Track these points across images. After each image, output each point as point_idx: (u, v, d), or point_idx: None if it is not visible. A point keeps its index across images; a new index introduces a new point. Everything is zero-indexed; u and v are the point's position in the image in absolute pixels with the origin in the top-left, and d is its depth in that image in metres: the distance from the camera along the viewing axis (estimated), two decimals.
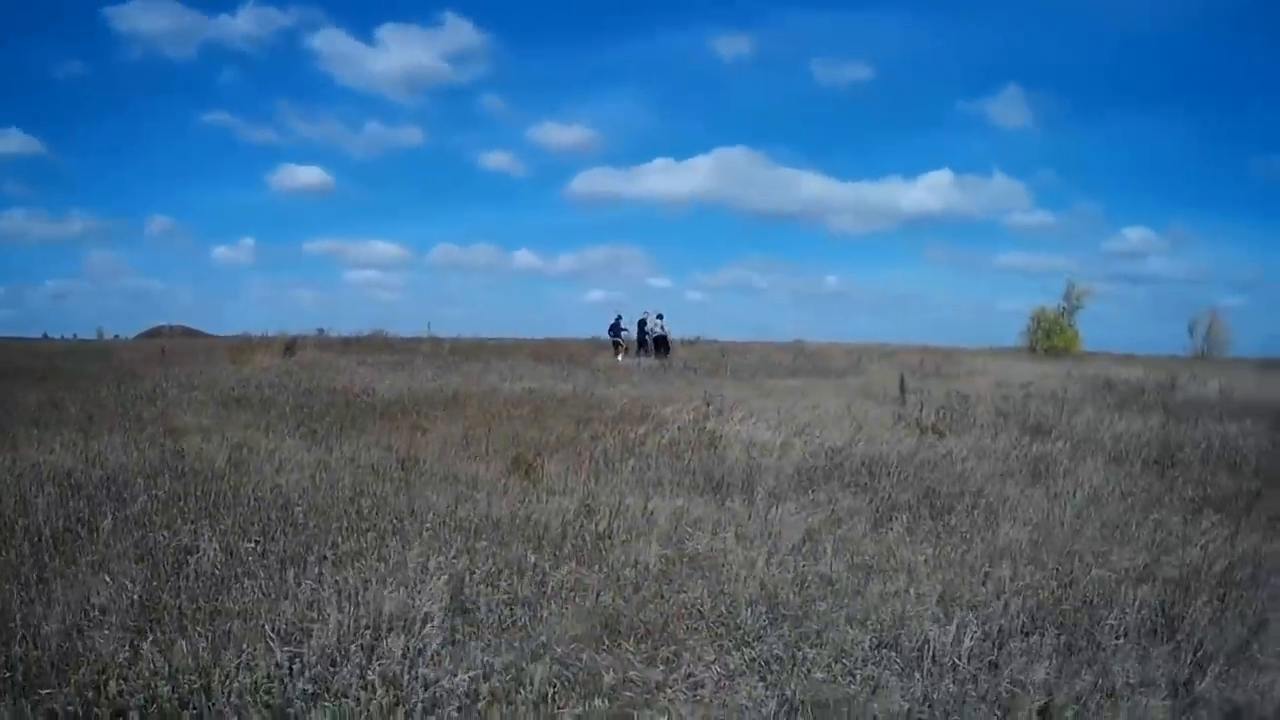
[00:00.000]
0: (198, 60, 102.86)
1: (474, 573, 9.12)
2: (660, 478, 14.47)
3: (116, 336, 68.94)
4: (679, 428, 19.28)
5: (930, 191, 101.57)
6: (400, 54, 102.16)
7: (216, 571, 9.06)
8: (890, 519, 12.17)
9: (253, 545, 9.74)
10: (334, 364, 36.75)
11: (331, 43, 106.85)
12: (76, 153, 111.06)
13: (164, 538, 10.07)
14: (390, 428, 18.80)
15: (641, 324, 48.41)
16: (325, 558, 9.44)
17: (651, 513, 11.80)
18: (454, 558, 9.46)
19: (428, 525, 10.74)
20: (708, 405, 21.54)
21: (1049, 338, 58.14)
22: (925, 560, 10.27)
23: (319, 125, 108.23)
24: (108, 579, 8.62)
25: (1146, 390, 30.91)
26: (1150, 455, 17.75)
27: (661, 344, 46.55)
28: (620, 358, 45.39)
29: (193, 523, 10.65)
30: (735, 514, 12.14)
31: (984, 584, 9.49)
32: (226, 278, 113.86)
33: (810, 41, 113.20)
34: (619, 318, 49.48)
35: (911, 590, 9.19)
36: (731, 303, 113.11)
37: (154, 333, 75.19)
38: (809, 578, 9.47)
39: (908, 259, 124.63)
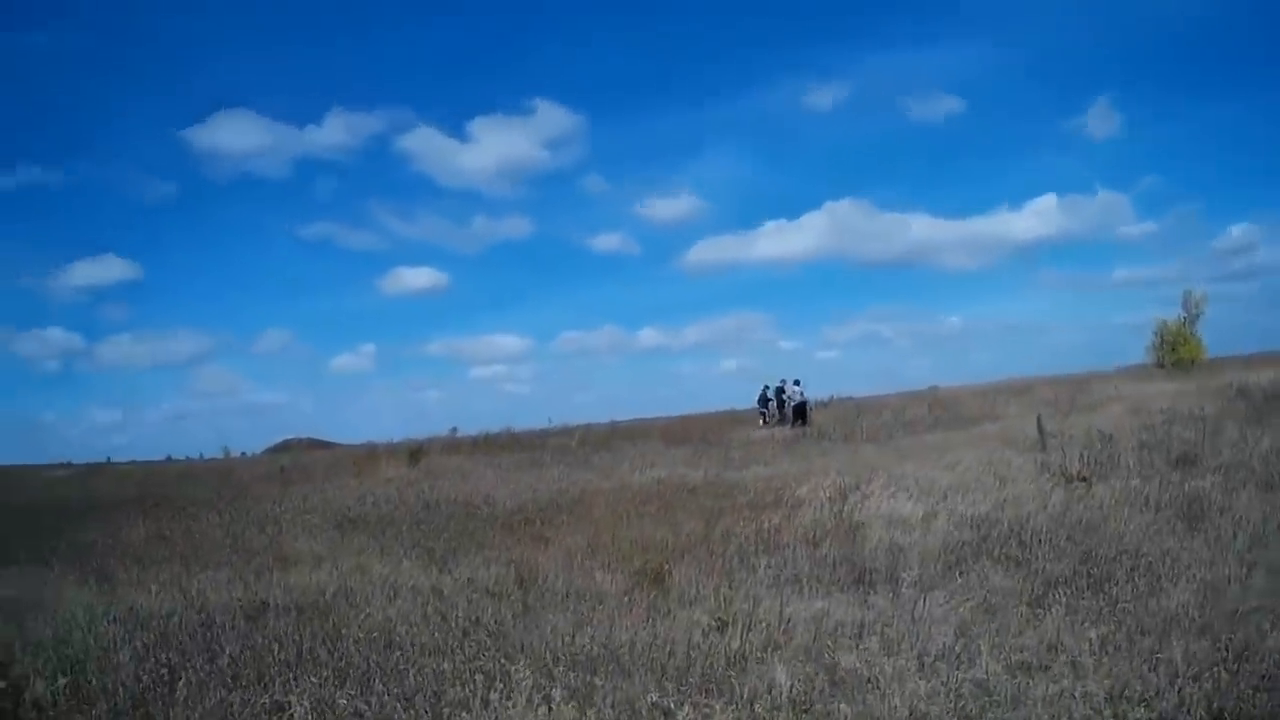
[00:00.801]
0: (291, 172, 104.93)
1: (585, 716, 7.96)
2: (798, 573, 13.07)
3: (243, 454, 68.24)
4: (815, 509, 17.99)
5: (1037, 217, 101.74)
6: (495, 145, 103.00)
7: None
8: (1047, 597, 10.78)
9: (346, 702, 8.61)
10: (461, 468, 35.73)
11: (425, 142, 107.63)
12: (177, 273, 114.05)
13: (253, 694, 9.00)
14: (512, 540, 17.74)
15: (779, 392, 47.00)
16: (426, 713, 8.32)
17: (789, 620, 10.53)
18: (564, 702, 8.28)
19: (543, 660, 9.58)
20: (843, 486, 20.06)
21: (1174, 350, 56.12)
22: (1089, 647, 8.92)
23: (423, 225, 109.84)
24: None
25: None
26: None
27: (800, 412, 44.86)
28: (761, 425, 44.51)
29: (287, 673, 9.59)
30: (880, 612, 10.77)
31: (1153, 670, 8.15)
32: (349, 385, 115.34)
33: (899, 81, 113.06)
34: (766, 388, 48.31)
35: (1078, 689, 7.89)
36: (861, 356, 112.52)
37: (282, 447, 74.77)
38: (963, 687, 8.17)
39: (1024, 288, 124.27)
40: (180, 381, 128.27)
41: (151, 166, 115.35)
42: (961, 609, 10.51)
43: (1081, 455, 20.25)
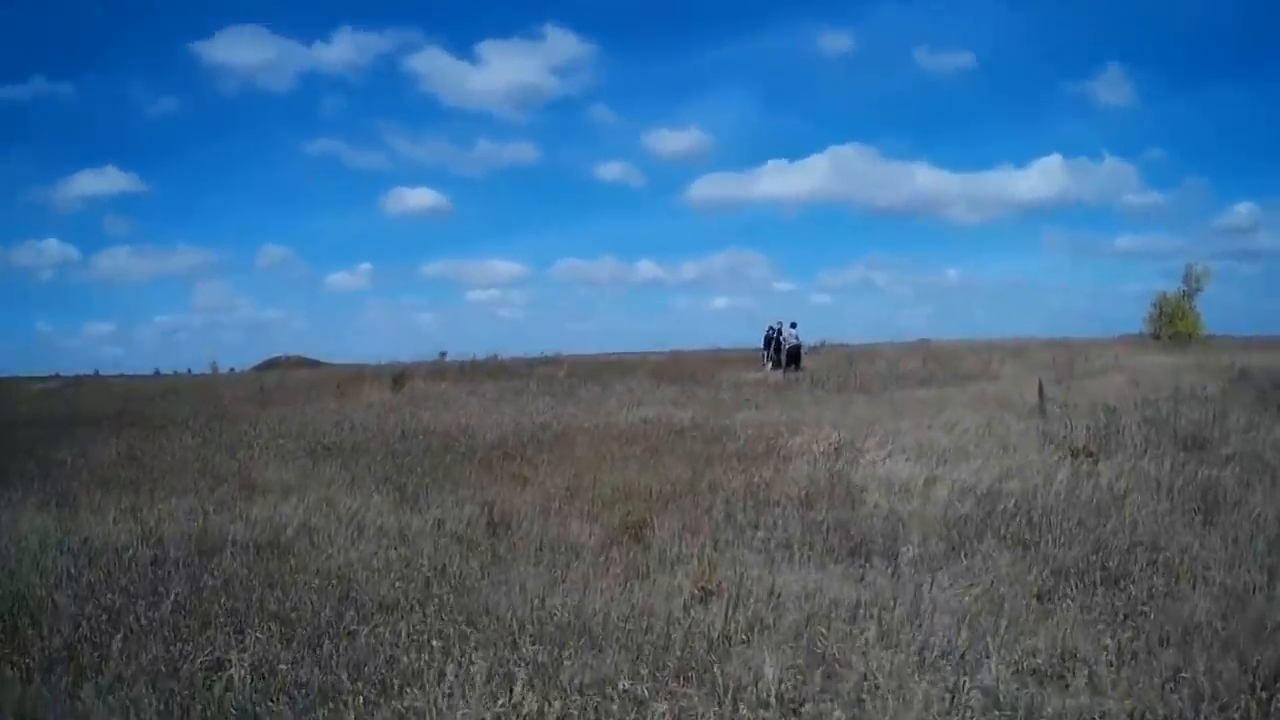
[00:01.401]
0: (298, 89, 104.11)
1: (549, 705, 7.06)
2: (789, 538, 12.11)
3: (232, 369, 67.92)
4: (809, 464, 17.14)
5: (1042, 177, 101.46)
6: (504, 70, 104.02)
7: (240, 702, 7.15)
8: (1058, 590, 9.85)
9: (288, 668, 7.71)
10: (445, 395, 35.42)
11: (433, 63, 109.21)
12: (179, 188, 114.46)
13: (193, 648, 8.13)
14: (488, 478, 16.92)
15: (775, 334, 46.14)
16: (375, 685, 7.42)
17: (778, 596, 9.61)
18: (526, 686, 7.37)
19: (509, 628, 8.67)
20: (838, 441, 19.22)
21: (1172, 324, 55.58)
22: (1106, 656, 7.99)
23: (427, 146, 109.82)
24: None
25: None
26: None
27: (794, 356, 44.19)
28: (764, 367, 44.07)
29: (231, 625, 8.72)
30: (877, 592, 9.81)
31: (1176, 691, 7.23)
32: (344, 304, 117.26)
33: (911, 31, 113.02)
34: (770, 329, 47.08)
35: (1097, 708, 7.00)
36: (856, 303, 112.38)
37: (270, 364, 74.66)
38: (970, 695, 7.24)
39: (1025, 248, 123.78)
40: (177, 296, 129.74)
41: (158, 79, 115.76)
42: (966, 597, 9.58)
43: (1086, 428, 19.39)
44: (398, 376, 39.45)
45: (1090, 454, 17.00)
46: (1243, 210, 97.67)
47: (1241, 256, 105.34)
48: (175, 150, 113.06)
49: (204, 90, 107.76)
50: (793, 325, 44.94)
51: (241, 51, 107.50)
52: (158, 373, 72.57)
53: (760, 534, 12.58)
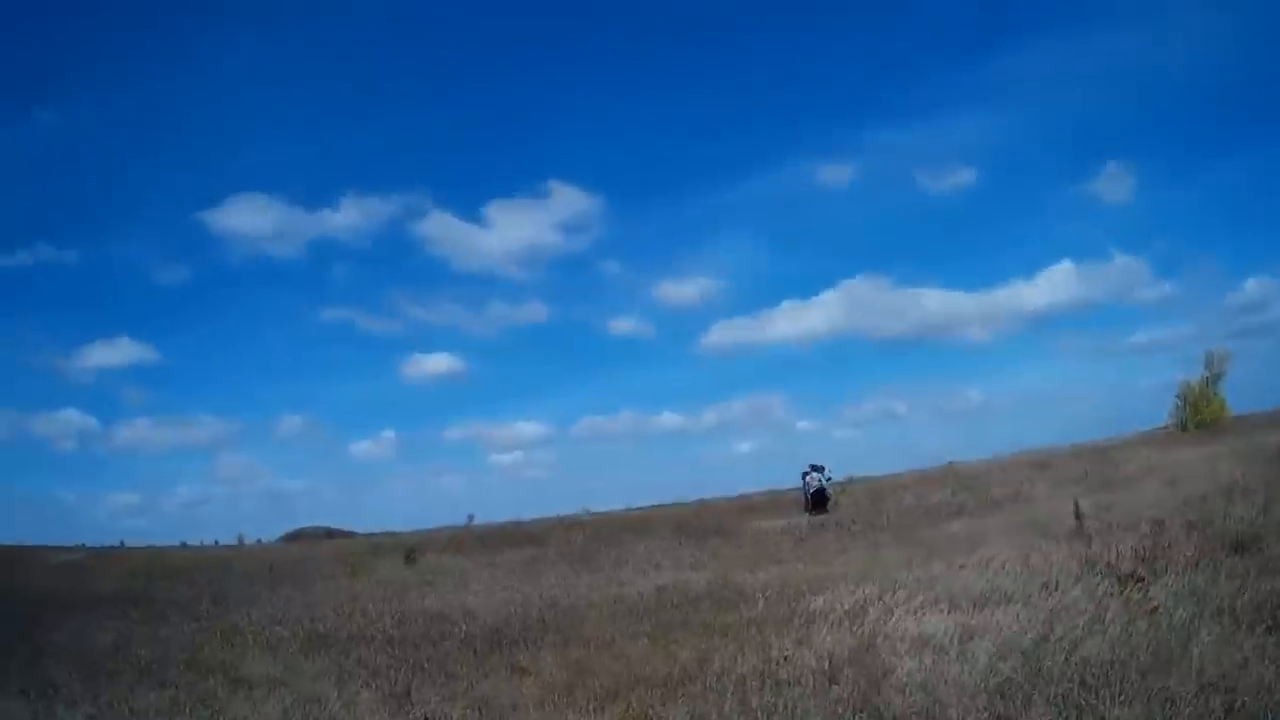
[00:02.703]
0: (306, 257, 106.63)
1: None
2: None
3: (259, 541, 67.42)
4: (832, 627, 15.34)
5: (1053, 285, 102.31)
6: (511, 229, 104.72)
7: None
8: None
9: None
10: (458, 570, 33.76)
11: (441, 227, 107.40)
12: (193, 357, 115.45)
13: None
14: (485, 668, 15.46)
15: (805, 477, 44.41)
16: None
17: None
18: None
19: None
20: (864, 597, 17.38)
21: (1197, 412, 54.28)
22: None
23: (440, 310, 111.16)
24: None
25: None
26: None
27: (819, 500, 42.62)
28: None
29: None
30: None
31: None
32: (369, 472, 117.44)
33: (910, 155, 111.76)
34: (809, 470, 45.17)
35: None
36: (878, 434, 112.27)
37: (295, 536, 74.07)
38: None
39: (1042, 357, 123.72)
40: (199, 466, 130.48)
41: (165, 248, 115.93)
42: None
43: (1131, 549, 17.63)
44: (410, 552, 38.16)
45: (1139, 579, 15.26)
46: (1252, 286, 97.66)
47: (1257, 332, 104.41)
48: (186, 320, 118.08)
49: (212, 259, 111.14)
50: (817, 468, 43.50)
51: (248, 219, 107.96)
52: (184, 544, 71.78)
53: (777, 718, 10.97)
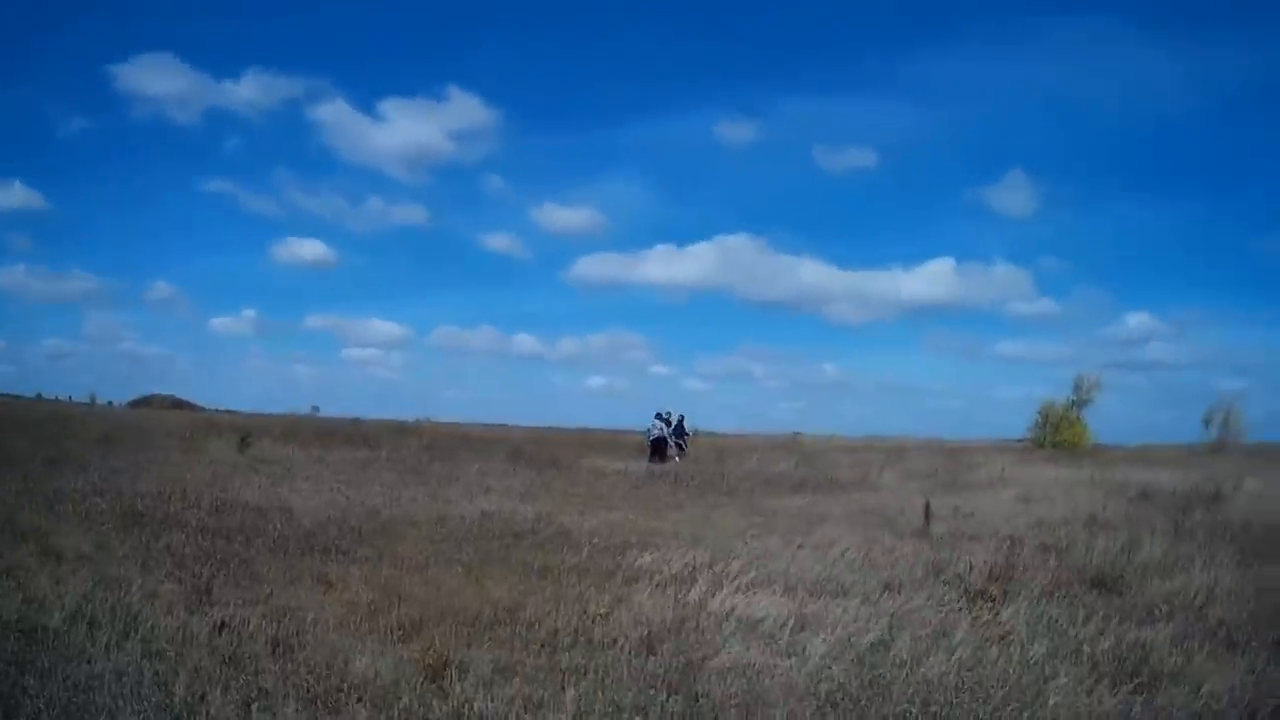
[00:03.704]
0: (202, 125, 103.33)
1: None
2: (618, 700, 9.27)
3: (110, 402, 66.10)
4: (656, 590, 14.27)
5: (931, 280, 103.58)
6: (404, 129, 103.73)
7: None
8: None
9: None
10: (289, 460, 32.91)
11: (336, 115, 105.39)
12: (79, 209, 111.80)
13: None
14: (291, 574, 14.49)
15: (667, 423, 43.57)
16: None
17: None
18: None
19: None
20: (694, 561, 16.23)
21: (1058, 432, 54.53)
22: None
23: (321, 198, 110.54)
24: None
25: (1193, 503, 26.20)
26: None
27: (660, 446, 41.94)
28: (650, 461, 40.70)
29: None
30: None
31: None
32: (226, 348, 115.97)
33: (813, 128, 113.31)
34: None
35: None
36: (730, 391, 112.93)
37: (143, 401, 73.36)
38: None
39: (907, 347, 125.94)
40: (67, 321, 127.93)
41: (69, 98, 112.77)
42: None
43: (983, 562, 16.58)
44: (245, 436, 36.66)
45: (991, 597, 14.20)
46: (1134, 321, 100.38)
47: (1131, 367, 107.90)
48: (79, 171, 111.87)
49: (113, 114, 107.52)
50: (662, 416, 42.61)
51: (154, 79, 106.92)
52: (40, 396, 71.18)
53: (586, 684, 9.77)
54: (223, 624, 11.25)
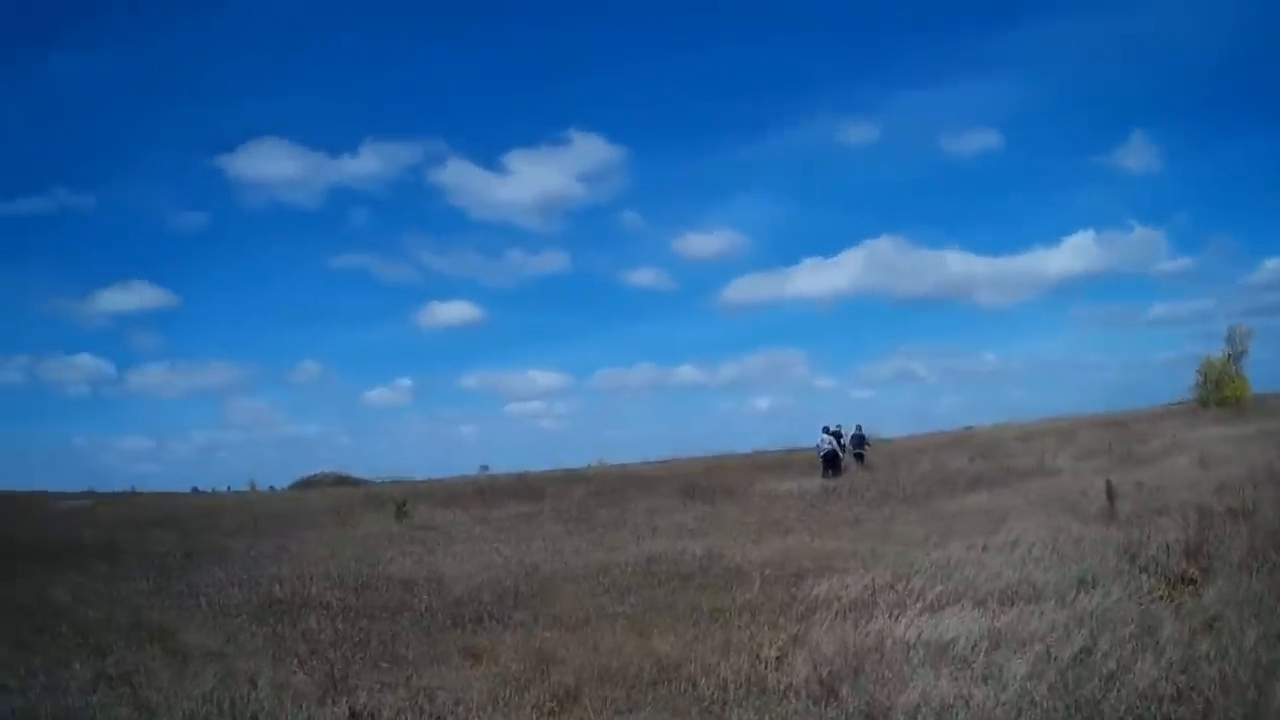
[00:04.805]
0: (324, 203, 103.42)
1: None
2: None
3: (271, 487, 66.40)
4: (834, 620, 13.15)
5: (1074, 253, 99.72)
6: (530, 179, 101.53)
7: None
8: None
9: None
10: (449, 524, 32.13)
11: (459, 174, 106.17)
12: (209, 303, 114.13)
13: None
14: (435, 651, 13.66)
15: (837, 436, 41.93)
16: None
17: None
18: None
19: None
20: (874, 584, 15.23)
21: (1220, 389, 52.43)
22: None
23: (458, 258, 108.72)
24: None
25: None
26: None
27: (830, 462, 40.21)
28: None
29: None
30: None
31: None
32: (384, 419, 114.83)
33: (932, 117, 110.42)
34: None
35: None
36: (895, 394, 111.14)
37: (306, 482, 73.29)
38: None
39: (1057, 326, 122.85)
40: (213, 412, 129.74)
41: (184, 193, 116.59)
42: None
43: (1175, 539, 15.17)
44: (401, 504, 35.62)
45: (1191, 580, 12.98)
46: (1272, 265, 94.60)
47: (1273, 311, 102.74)
48: (203, 265, 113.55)
49: (229, 204, 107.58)
50: (830, 430, 41.27)
51: (266, 165, 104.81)
52: (195, 490, 70.79)
53: None
54: (352, 714, 10.71)
